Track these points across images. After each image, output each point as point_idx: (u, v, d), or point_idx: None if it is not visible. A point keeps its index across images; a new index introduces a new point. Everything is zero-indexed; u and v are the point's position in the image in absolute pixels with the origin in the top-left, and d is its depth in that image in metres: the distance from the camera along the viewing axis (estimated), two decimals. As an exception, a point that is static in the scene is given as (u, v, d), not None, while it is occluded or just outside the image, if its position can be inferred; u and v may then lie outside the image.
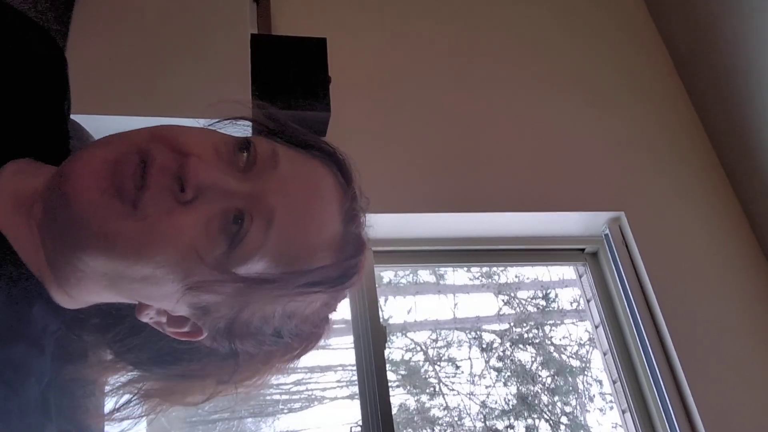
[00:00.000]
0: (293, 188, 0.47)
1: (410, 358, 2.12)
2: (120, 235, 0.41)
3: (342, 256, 0.49)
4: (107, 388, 0.51)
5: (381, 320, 1.70)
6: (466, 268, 2.19)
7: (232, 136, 0.48)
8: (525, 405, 2.04)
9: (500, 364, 2.13)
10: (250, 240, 0.44)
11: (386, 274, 2.14)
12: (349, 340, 1.69)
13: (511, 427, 2.01)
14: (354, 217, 0.51)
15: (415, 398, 2.02)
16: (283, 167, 0.47)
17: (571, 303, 2.24)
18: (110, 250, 0.42)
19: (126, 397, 0.51)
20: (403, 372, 2.09)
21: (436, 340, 2.16)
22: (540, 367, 2.14)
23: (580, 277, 2.03)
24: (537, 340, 2.21)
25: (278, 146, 0.49)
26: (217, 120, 0.54)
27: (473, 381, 2.07)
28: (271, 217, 0.45)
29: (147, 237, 0.41)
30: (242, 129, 0.54)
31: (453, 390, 2.05)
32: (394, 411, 1.61)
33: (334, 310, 0.54)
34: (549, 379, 2.11)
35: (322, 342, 0.56)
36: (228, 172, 0.45)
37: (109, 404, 0.51)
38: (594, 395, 2.10)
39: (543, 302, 2.27)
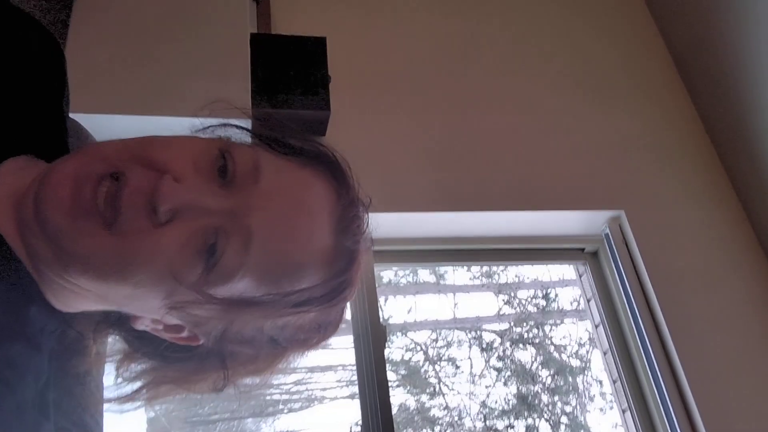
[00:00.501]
0: (275, 204, 0.45)
1: (410, 358, 2.12)
2: (96, 256, 0.41)
3: (331, 272, 0.47)
4: (123, 375, 0.51)
5: (381, 320, 1.70)
6: (466, 268, 2.19)
7: (215, 147, 0.47)
8: (525, 405, 2.04)
9: (500, 364, 2.13)
10: (227, 260, 0.43)
11: (386, 274, 2.14)
12: (349, 339, 1.69)
13: (511, 426, 2.01)
14: (347, 226, 0.48)
15: (415, 398, 2.02)
16: (265, 181, 0.45)
17: (571, 303, 2.24)
18: (88, 270, 0.41)
19: (139, 383, 0.51)
20: (403, 372, 2.09)
21: (436, 340, 2.16)
22: (540, 367, 2.14)
23: (580, 276, 2.03)
24: (537, 340, 2.21)
25: (263, 157, 0.47)
26: (206, 126, 0.53)
27: (473, 381, 2.07)
28: (250, 236, 0.43)
29: (123, 258, 0.41)
30: (237, 132, 0.54)
31: (453, 390, 2.05)
32: (394, 411, 1.60)
33: (335, 316, 0.52)
34: (549, 379, 2.11)
35: (337, 326, 0.54)
36: (205, 188, 0.44)
37: (126, 388, 0.51)
38: (594, 395, 2.10)
39: (543, 302, 2.27)
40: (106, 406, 0.51)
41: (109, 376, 0.53)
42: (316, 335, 0.52)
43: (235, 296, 0.44)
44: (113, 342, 0.53)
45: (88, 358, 0.50)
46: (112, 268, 0.41)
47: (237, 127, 0.53)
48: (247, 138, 0.53)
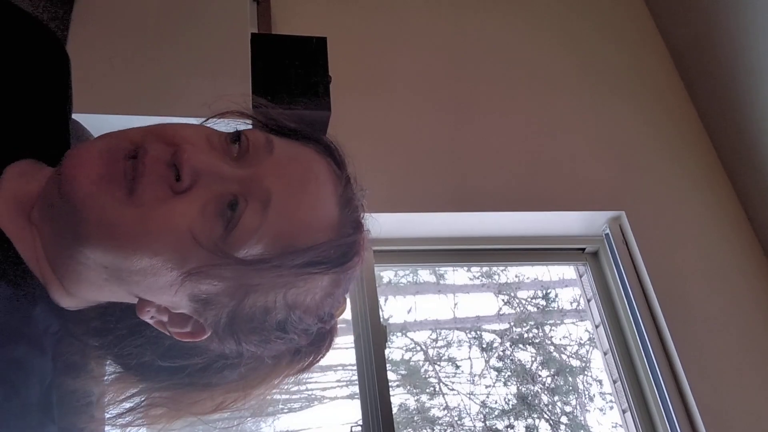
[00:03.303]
0: (289, 171, 0.47)
1: (410, 358, 2.12)
2: (117, 223, 0.42)
3: (340, 235, 0.48)
4: (115, 396, 0.51)
5: (381, 320, 1.70)
6: (466, 268, 2.19)
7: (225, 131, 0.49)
8: (525, 405, 2.04)
9: (500, 364, 2.13)
10: (246, 223, 0.44)
11: (386, 274, 2.14)
12: (349, 339, 1.69)
13: (511, 427, 2.01)
14: (349, 201, 0.51)
15: (415, 398, 2.02)
16: (278, 152, 0.48)
17: (571, 303, 2.24)
18: (108, 240, 0.42)
19: (132, 403, 0.50)
20: (403, 372, 2.08)
21: (436, 340, 2.16)
22: (540, 367, 2.14)
23: (581, 276, 2.03)
24: (537, 340, 2.21)
25: (272, 135, 0.50)
26: (208, 117, 0.54)
27: (473, 381, 2.06)
28: (267, 199, 0.45)
29: (143, 225, 0.42)
30: (237, 126, 0.55)
31: (453, 390, 2.05)
32: (394, 411, 1.61)
33: (339, 304, 0.53)
34: (549, 379, 2.11)
35: (327, 347, 0.55)
36: (222, 160, 0.46)
37: (116, 409, 0.50)
38: (594, 395, 2.10)
39: (543, 302, 2.27)
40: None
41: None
42: (322, 327, 0.52)
43: (250, 257, 0.45)
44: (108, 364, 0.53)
45: (89, 367, 0.50)
46: (134, 235, 0.42)
47: (239, 113, 0.55)
48: (249, 127, 0.54)
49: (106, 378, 0.52)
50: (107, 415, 0.50)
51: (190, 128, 0.47)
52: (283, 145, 0.49)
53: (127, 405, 0.50)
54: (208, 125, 0.52)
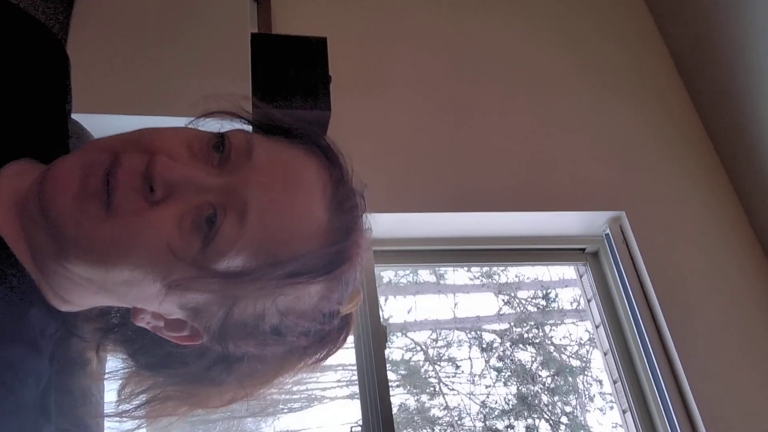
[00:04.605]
0: (270, 176, 0.45)
1: (410, 358, 2.12)
2: (94, 238, 0.41)
3: (327, 242, 0.46)
4: (128, 389, 0.51)
5: (381, 320, 1.70)
6: (466, 268, 2.19)
7: (208, 132, 0.47)
8: (525, 405, 2.04)
9: (500, 364, 2.13)
10: (224, 234, 0.42)
11: (386, 274, 2.14)
12: (349, 339, 1.68)
13: (511, 427, 2.01)
14: (341, 203, 0.48)
15: (415, 398, 2.02)
16: (258, 157, 0.46)
17: (572, 303, 2.24)
18: (87, 255, 0.41)
19: (143, 398, 0.50)
20: (403, 372, 2.08)
21: (436, 340, 2.16)
22: (540, 367, 2.14)
23: (581, 276, 2.03)
24: (537, 340, 2.21)
25: (255, 137, 0.48)
26: (196, 117, 0.53)
27: (473, 381, 2.07)
28: (245, 210, 0.43)
29: (120, 237, 0.41)
30: (229, 125, 0.54)
31: (453, 390, 2.05)
32: (394, 411, 1.60)
33: (339, 305, 0.51)
34: (549, 379, 2.11)
35: (343, 339, 0.54)
36: (200, 168, 0.44)
37: (135, 400, 0.50)
38: (594, 395, 2.10)
39: (543, 302, 2.27)
40: (107, 422, 0.51)
41: (111, 393, 0.52)
42: (324, 328, 0.51)
43: (233, 269, 0.43)
44: (114, 361, 0.53)
45: (88, 366, 0.50)
46: (110, 250, 0.41)
47: (227, 113, 0.53)
48: (238, 126, 0.53)
49: (123, 371, 0.52)
50: (125, 407, 0.50)
51: (170, 134, 0.46)
52: (267, 148, 0.47)
53: (144, 397, 0.50)
54: (196, 125, 0.51)
